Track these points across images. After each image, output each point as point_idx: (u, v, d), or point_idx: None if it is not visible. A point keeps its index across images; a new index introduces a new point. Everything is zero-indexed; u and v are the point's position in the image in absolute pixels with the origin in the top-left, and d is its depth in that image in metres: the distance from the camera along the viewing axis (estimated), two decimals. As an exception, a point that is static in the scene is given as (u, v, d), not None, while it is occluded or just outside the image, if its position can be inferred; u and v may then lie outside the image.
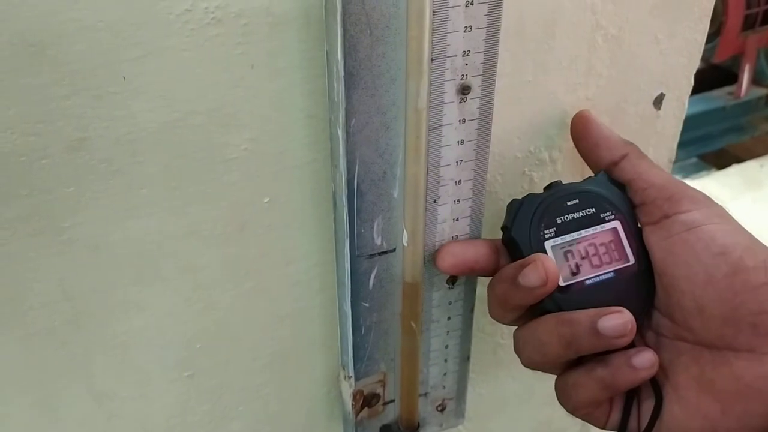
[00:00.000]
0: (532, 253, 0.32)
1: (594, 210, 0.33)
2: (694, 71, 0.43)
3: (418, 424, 0.40)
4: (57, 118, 0.27)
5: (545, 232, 0.32)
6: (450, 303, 0.37)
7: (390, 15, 0.28)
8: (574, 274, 0.33)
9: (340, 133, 0.30)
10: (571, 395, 0.33)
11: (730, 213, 0.32)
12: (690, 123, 1.46)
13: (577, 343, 0.31)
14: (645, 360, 0.31)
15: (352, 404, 0.38)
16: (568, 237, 0.33)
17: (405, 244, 0.33)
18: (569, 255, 0.33)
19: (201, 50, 0.28)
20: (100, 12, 0.26)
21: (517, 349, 0.34)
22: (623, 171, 0.34)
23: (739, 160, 1.45)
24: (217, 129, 0.30)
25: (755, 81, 1.53)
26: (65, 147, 0.28)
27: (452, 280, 0.36)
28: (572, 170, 0.41)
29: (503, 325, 0.44)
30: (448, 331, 0.38)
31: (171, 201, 0.31)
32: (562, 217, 0.33)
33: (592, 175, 0.35)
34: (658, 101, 0.42)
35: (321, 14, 0.29)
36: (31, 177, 0.28)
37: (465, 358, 0.40)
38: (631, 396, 0.32)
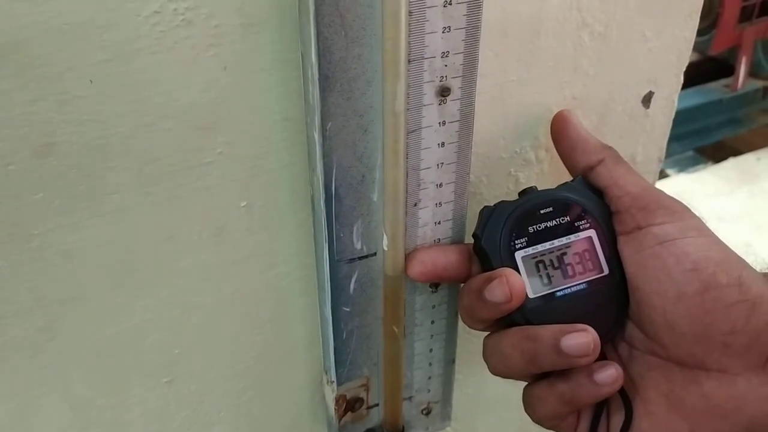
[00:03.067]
0: (502, 264, 0.31)
1: (568, 218, 0.32)
2: (684, 69, 0.42)
3: (403, 427, 0.40)
4: (23, 124, 0.26)
5: (516, 242, 0.31)
6: (434, 307, 0.36)
7: (365, 16, 0.27)
8: (546, 284, 0.32)
9: (317, 136, 0.29)
10: (535, 407, 0.32)
11: (706, 225, 0.31)
12: (686, 116, 1.47)
13: (539, 360, 0.30)
14: (607, 376, 0.30)
15: (335, 409, 0.37)
16: (540, 247, 0.32)
17: (385, 249, 0.33)
18: (540, 265, 0.32)
19: (171, 52, 0.27)
20: (66, 14, 0.25)
21: (485, 357, 0.33)
22: (599, 176, 0.33)
23: (736, 152, 1.44)
24: (190, 133, 0.29)
25: (752, 73, 1.52)
26: (32, 153, 0.27)
27: (435, 284, 0.35)
28: (559, 170, 0.40)
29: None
30: (432, 335, 0.37)
31: (145, 206, 0.30)
32: (534, 226, 0.32)
33: (570, 179, 0.34)
34: (646, 99, 0.42)
35: (295, 15, 0.28)
36: (-3, 183, 0.27)
37: (450, 361, 0.39)
38: (600, 409, 0.32)
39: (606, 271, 0.32)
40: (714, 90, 1.51)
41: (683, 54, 0.41)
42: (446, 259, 0.33)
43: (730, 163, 1.40)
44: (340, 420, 0.38)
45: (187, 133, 0.29)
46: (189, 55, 0.28)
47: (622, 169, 0.33)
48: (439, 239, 0.34)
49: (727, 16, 1.31)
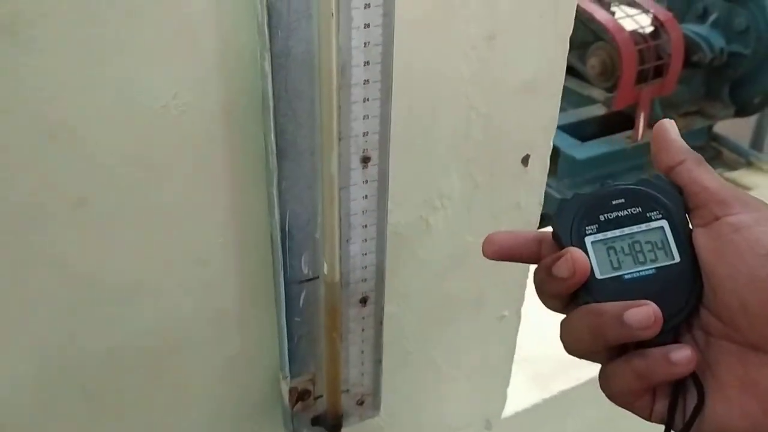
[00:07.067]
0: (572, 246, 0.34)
1: (640, 209, 0.34)
2: (552, 137, 0.55)
3: (342, 415, 0.51)
4: (61, 181, 0.37)
5: (587, 228, 0.34)
6: (363, 318, 0.48)
7: (309, 109, 0.39)
8: (614, 268, 0.34)
9: (274, 192, 0.41)
10: (610, 382, 0.34)
11: None
12: (594, 163, 1.65)
13: (603, 333, 0.32)
14: (683, 356, 0.32)
15: (289, 398, 0.48)
16: (610, 234, 0.34)
17: (325, 273, 0.44)
18: (611, 251, 0.34)
19: (172, 133, 0.39)
20: (100, 107, 0.37)
21: (561, 339, 0.35)
22: (679, 176, 0.34)
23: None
24: (183, 188, 0.41)
25: (651, 125, 1.71)
26: (70, 205, 0.38)
27: (363, 300, 0.47)
28: (460, 214, 0.52)
29: (410, 337, 0.55)
30: (362, 340, 0.49)
31: (150, 241, 0.41)
32: (605, 215, 0.34)
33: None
34: (525, 160, 0.54)
35: (259, 108, 0.40)
36: (39, 228, 0.38)
37: (378, 361, 0.51)
38: (677, 392, 0.33)
39: (677, 259, 0.33)
40: (618, 140, 1.71)
41: (550, 127, 0.54)
42: (516, 242, 0.37)
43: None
44: (293, 408, 0.49)
45: (181, 187, 0.41)
46: (184, 136, 0.39)
47: (701, 170, 0.34)
48: (366, 266, 0.46)
49: (626, 78, 1.51)
